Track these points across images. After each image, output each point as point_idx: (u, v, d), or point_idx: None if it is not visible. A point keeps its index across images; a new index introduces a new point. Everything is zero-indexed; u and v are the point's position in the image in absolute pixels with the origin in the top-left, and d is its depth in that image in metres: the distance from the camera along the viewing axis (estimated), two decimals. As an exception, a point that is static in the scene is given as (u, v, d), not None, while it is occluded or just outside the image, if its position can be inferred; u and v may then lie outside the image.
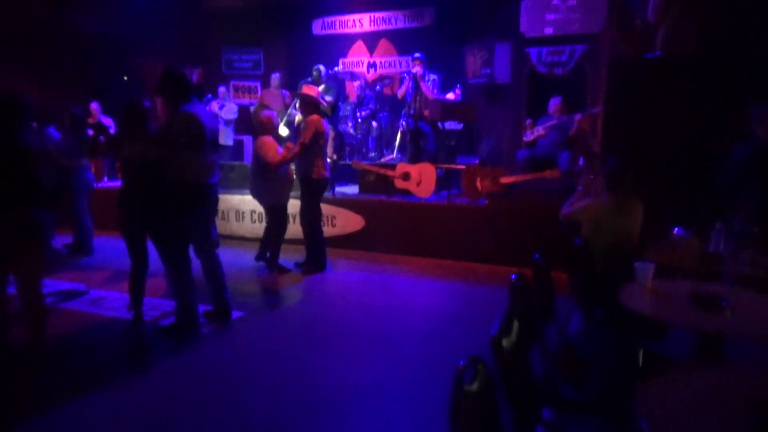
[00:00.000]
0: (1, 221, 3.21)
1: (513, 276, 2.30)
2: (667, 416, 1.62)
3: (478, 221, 6.32)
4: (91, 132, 5.93)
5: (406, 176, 6.98)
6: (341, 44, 10.14)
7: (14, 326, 3.49)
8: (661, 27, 4.86)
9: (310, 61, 8.81)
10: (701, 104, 4.66)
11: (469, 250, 6.33)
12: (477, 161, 7.25)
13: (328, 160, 6.26)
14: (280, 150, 5.58)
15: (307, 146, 5.43)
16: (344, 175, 8.18)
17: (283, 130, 8.05)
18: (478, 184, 6.52)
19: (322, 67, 8.29)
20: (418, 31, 9.39)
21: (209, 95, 9.06)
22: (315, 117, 5.55)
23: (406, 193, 6.98)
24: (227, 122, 8.86)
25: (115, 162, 4.26)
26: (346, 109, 8.69)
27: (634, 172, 3.54)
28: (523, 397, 1.87)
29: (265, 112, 5.80)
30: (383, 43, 9.91)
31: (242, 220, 7.53)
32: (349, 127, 8.52)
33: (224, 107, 8.89)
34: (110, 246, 4.36)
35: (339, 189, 7.54)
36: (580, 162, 6.66)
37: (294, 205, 6.03)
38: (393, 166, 7.20)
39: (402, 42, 9.66)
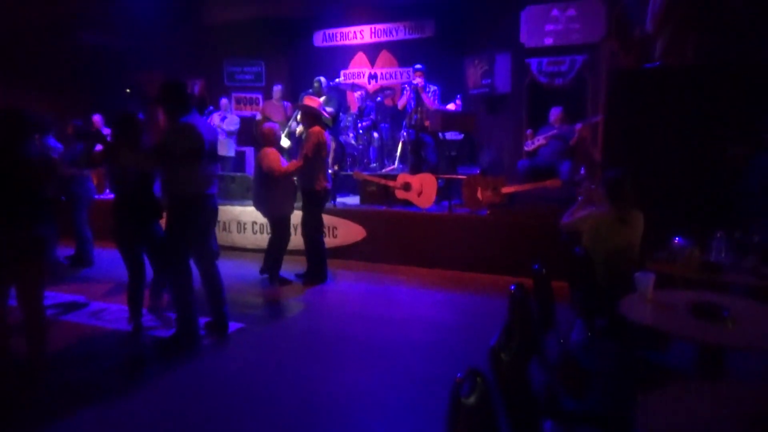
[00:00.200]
0: (6, 238, 3.20)
1: (512, 287, 2.29)
2: (667, 429, 1.61)
3: (479, 231, 6.31)
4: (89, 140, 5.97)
5: (407, 186, 6.99)
6: (342, 56, 10.20)
7: (14, 338, 3.49)
8: (659, 37, 4.88)
9: (311, 72, 8.85)
10: (700, 113, 4.67)
11: (470, 260, 6.32)
12: (478, 171, 7.26)
13: (330, 171, 6.28)
14: (284, 162, 5.60)
15: (310, 158, 5.45)
16: (345, 185, 8.20)
17: (285, 142, 8.09)
18: (479, 194, 6.53)
19: (323, 79, 8.33)
20: (419, 42, 9.45)
21: (211, 107, 9.11)
22: (316, 128, 5.57)
23: (407, 203, 6.99)
24: (229, 134, 8.90)
25: (108, 173, 4.26)
26: (347, 120, 8.72)
27: (634, 181, 3.54)
28: (522, 409, 1.86)
29: (267, 125, 5.83)
30: (384, 55, 9.96)
31: (244, 232, 7.53)
32: (351, 138, 8.55)
33: (226, 119, 8.93)
34: (111, 258, 4.37)
35: (340, 200, 7.55)
36: (581, 171, 6.67)
37: (296, 216, 6.03)
38: (394, 177, 7.21)
39: (403, 53, 9.71)
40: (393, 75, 9.90)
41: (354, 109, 8.98)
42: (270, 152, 5.50)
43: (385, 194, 7.16)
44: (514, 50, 8.29)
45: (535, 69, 8.12)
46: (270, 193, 5.60)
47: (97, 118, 8.38)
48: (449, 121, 7.25)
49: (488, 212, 6.41)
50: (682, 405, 1.76)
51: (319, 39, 10.26)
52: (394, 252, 6.73)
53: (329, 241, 6.82)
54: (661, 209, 4.22)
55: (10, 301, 3.45)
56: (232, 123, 8.99)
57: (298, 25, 10.17)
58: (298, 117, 7.72)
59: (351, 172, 7.81)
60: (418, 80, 7.61)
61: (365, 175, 7.46)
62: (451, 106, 7.70)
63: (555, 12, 7.80)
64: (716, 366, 2.47)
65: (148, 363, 3.95)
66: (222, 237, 7.42)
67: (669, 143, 4.78)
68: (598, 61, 7.59)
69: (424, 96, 7.57)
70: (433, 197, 6.82)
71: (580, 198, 4.06)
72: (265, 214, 5.83)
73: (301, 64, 10.16)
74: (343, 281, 6.07)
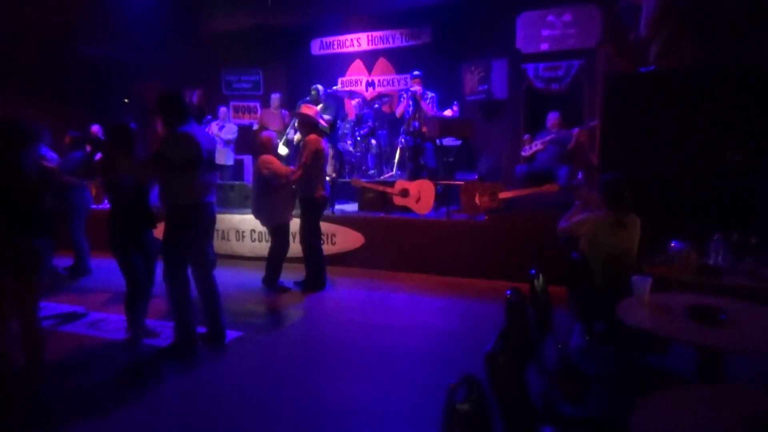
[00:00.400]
0: (4, 253, 3.18)
1: (508, 291, 2.29)
2: (664, 433, 1.60)
3: (477, 237, 6.31)
4: (88, 149, 5.97)
5: (404, 193, 6.99)
6: (340, 63, 10.24)
7: (13, 349, 3.47)
8: (654, 41, 4.90)
9: (309, 80, 8.89)
10: (696, 117, 4.68)
11: (469, 265, 6.31)
12: (476, 177, 7.27)
13: (328, 178, 6.29)
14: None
15: (309, 166, 5.46)
16: (344, 192, 8.20)
17: (283, 150, 8.10)
18: (477, 200, 6.53)
19: (320, 86, 8.36)
20: (416, 49, 9.49)
21: (209, 116, 9.13)
22: (313, 137, 5.59)
23: (406, 209, 6.99)
24: (227, 142, 8.92)
25: (103, 182, 4.27)
26: (345, 128, 8.74)
27: (630, 185, 3.54)
28: (519, 415, 1.85)
29: (265, 133, 5.86)
30: (381, 62, 10.00)
31: (242, 240, 7.53)
32: (348, 145, 8.56)
33: (224, 128, 8.95)
34: (110, 267, 4.36)
35: (339, 207, 7.55)
36: (579, 176, 6.68)
37: (295, 224, 6.04)
38: (392, 184, 7.22)
39: (400, 60, 9.76)
40: (390, 82, 9.94)
41: (352, 117, 9.01)
42: (268, 158, 5.53)
43: (384, 201, 7.16)
44: (511, 56, 8.33)
45: (531, 74, 8.15)
46: (269, 202, 5.61)
47: (95, 128, 8.39)
48: (446, 127, 7.27)
49: (486, 218, 6.41)
50: (681, 409, 1.75)
51: (316, 47, 10.31)
52: (393, 258, 6.72)
53: (328, 248, 6.82)
54: (658, 213, 4.23)
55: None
56: (230, 132, 9.01)
57: (296, 33, 10.22)
58: (296, 125, 7.74)
59: (349, 179, 7.82)
60: (416, 87, 7.63)
61: (363, 182, 7.47)
62: (448, 113, 7.73)
63: (551, 17, 7.84)
64: (715, 369, 2.46)
65: (146, 373, 3.94)
66: (220, 245, 7.41)
67: (665, 147, 4.79)
68: (595, 65, 7.63)
69: (422, 103, 7.59)
70: (431, 203, 6.82)
71: (577, 202, 4.06)
72: (263, 222, 5.84)
73: (299, 72, 10.20)
74: (342, 288, 6.06)
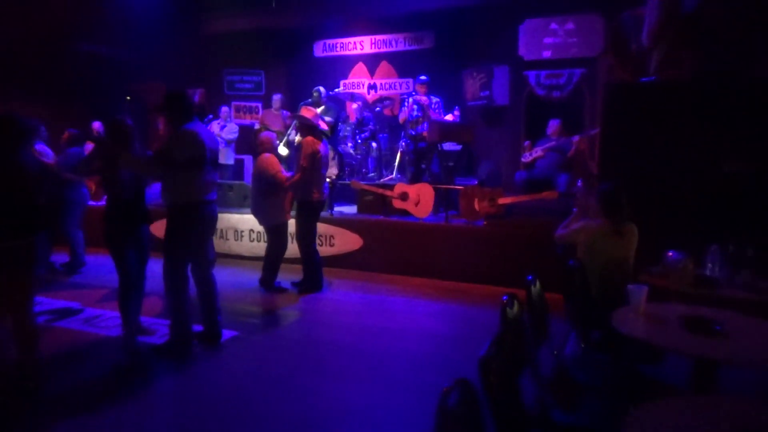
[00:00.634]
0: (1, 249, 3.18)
1: (504, 297, 2.29)
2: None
3: (475, 242, 6.32)
4: (89, 146, 5.97)
5: (404, 196, 7.00)
6: (342, 66, 10.27)
7: (7, 345, 3.47)
8: (655, 51, 4.92)
9: (311, 82, 8.90)
10: (696, 128, 4.69)
11: (467, 270, 6.31)
12: (475, 182, 7.28)
13: (328, 180, 6.29)
14: (283, 170, 5.65)
15: (306, 168, 5.48)
16: (343, 195, 8.21)
17: (283, 151, 8.11)
18: (476, 205, 6.53)
19: (322, 89, 8.37)
20: (418, 53, 9.53)
21: (210, 116, 9.14)
22: (309, 139, 5.61)
23: (405, 213, 6.99)
24: (228, 142, 8.93)
25: (102, 179, 4.27)
26: (346, 130, 8.75)
27: (629, 194, 3.55)
28: (512, 421, 1.85)
29: (264, 133, 5.88)
30: (384, 65, 10.03)
31: (241, 239, 7.53)
32: (349, 148, 8.58)
33: (225, 127, 8.96)
34: (106, 264, 4.36)
35: (338, 209, 7.56)
36: (578, 184, 6.68)
37: (293, 224, 6.04)
38: (391, 187, 7.23)
39: (402, 64, 9.80)
40: (392, 85, 9.97)
41: (353, 119, 9.02)
42: (268, 157, 5.55)
43: (383, 204, 7.17)
44: (513, 63, 8.35)
45: (533, 81, 8.18)
46: (267, 201, 5.62)
47: (96, 125, 8.41)
48: (447, 132, 7.28)
49: (485, 223, 6.41)
50: (673, 419, 1.75)
51: (319, 49, 10.33)
52: (391, 261, 6.72)
53: (326, 250, 6.83)
54: (656, 222, 4.23)
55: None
56: (230, 131, 9.03)
57: (299, 35, 10.24)
58: (297, 126, 7.75)
59: (349, 182, 7.83)
60: (423, 98, 7.60)
61: (363, 184, 7.48)
62: (449, 117, 7.74)
63: (553, 25, 7.87)
64: (709, 380, 2.46)
65: (140, 370, 3.93)
66: (219, 244, 7.41)
67: (664, 157, 4.80)
68: (596, 74, 7.65)
69: (431, 112, 7.59)
70: (431, 207, 6.82)
71: (574, 210, 4.07)
72: (261, 221, 5.84)
73: (301, 74, 10.23)
74: (339, 290, 6.06)
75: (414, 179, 7.41)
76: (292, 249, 6.19)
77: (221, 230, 7.51)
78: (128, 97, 10.43)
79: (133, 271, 4.14)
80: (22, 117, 3.41)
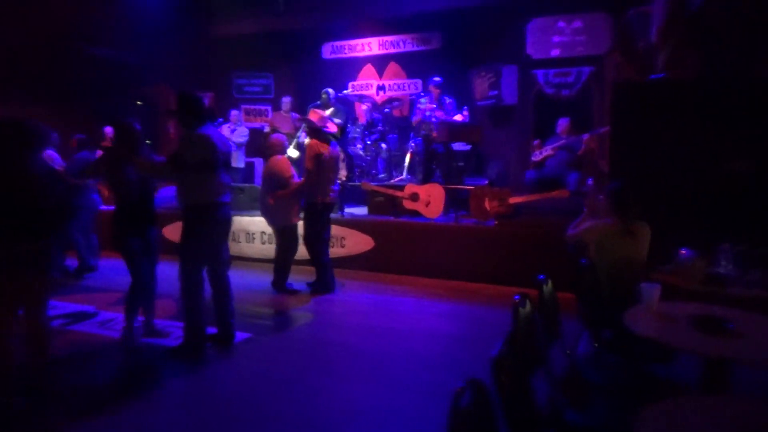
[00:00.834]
0: (11, 253, 3.20)
1: (516, 297, 2.30)
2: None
3: (486, 242, 6.32)
4: (100, 152, 6.05)
5: (414, 197, 7.01)
6: (351, 68, 10.30)
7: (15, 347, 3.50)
8: (662, 49, 4.90)
9: (320, 84, 8.93)
10: (705, 126, 4.67)
11: (478, 271, 6.31)
12: (485, 182, 7.27)
13: (338, 181, 6.32)
14: (293, 172, 5.69)
15: (311, 170, 5.52)
16: (353, 196, 8.23)
17: (294, 153, 8.15)
18: (487, 205, 6.53)
19: (330, 91, 8.40)
20: (426, 54, 9.53)
21: (220, 119, 9.21)
22: (314, 142, 5.66)
23: (415, 213, 7.01)
24: (238, 145, 9.00)
25: (110, 182, 4.33)
26: (355, 131, 8.78)
27: (639, 193, 3.54)
28: (523, 421, 1.86)
29: (274, 136, 5.93)
30: (392, 66, 10.05)
31: (252, 242, 7.59)
32: (359, 149, 8.60)
33: (236, 131, 9.03)
34: (120, 268, 4.42)
35: (348, 210, 7.59)
36: (589, 182, 6.66)
37: (302, 226, 6.08)
38: (402, 187, 7.24)
39: (410, 65, 9.81)
40: (401, 86, 9.98)
41: (362, 121, 9.05)
42: (281, 159, 5.59)
43: (393, 205, 7.19)
44: (521, 62, 8.34)
45: (541, 80, 8.16)
46: (276, 203, 5.66)
47: (108, 130, 8.50)
48: (456, 132, 7.29)
49: (495, 223, 6.41)
50: (684, 419, 1.76)
51: (327, 51, 10.37)
52: (402, 262, 6.74)
53: (337, 251, 6.86)
54: (667, 220, 4.21)
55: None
56: (241, 135, 9.09)
57: (306, 37, 10.28)
58: (305, 127, 7.79)
59: (359, 183, 7.85)
60: (434, 107, 7.58)
61: (373, 185, 7.50)
62: (458, 117, 7.74)
63: (561, 24, 7.85)
64: (721, 380, 2.46)
65: (154, 372, 3.98)
66: (231, 247, 7.38)
67: (674, 155, 4.78)
68: (605, 72, 7.62)
69: (443, 113, 7.58)
70: (441, 208, 6.83)
71: (585, 209, 4.07)
72: (270, 223, 5.89)
73: (310, 76, 10.26)
74: (351, 291, 6.09)
75: (425, 180, 7.42)
76: (303, 250, 6.23)
77: (233, 232, 7.56)
78: (139, 102, 10.52)
79: (143, 274, 4.19)
80: (32, 122, 3.42)
